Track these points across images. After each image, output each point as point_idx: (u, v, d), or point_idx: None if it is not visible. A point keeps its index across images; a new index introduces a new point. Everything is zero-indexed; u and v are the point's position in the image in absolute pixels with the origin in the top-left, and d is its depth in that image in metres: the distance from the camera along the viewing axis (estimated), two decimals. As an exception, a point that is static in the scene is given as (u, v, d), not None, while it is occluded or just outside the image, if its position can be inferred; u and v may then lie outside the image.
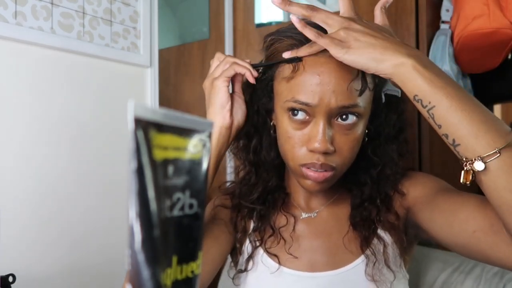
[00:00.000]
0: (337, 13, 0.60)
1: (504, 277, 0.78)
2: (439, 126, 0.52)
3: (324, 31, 0.58)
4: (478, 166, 0.50)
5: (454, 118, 0.51)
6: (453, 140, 0.52)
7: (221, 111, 0.65)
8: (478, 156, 0.50)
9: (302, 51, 0.60)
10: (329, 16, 0.57)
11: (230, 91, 0.67)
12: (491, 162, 0.49)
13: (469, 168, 0.51)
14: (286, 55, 0.61)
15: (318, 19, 0.57)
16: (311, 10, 0.57)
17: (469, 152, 0.50)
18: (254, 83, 0.65)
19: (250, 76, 0.63)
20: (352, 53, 0.54)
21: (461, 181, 0.52)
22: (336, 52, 0.55)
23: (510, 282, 0.77)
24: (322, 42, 0.56)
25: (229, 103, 0.65)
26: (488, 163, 0.49)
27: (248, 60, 0.65)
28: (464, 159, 0.51)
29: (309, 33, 0.57)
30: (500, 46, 0.96)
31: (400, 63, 0.53)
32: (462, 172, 0.52)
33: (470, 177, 0.51)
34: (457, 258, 0.87)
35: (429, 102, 0.52)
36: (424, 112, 0.53)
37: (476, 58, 1.02)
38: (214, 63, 0.67)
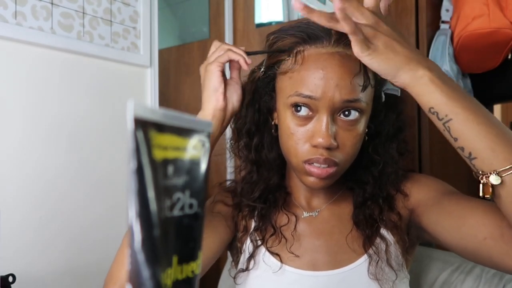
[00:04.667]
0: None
1: (504, 277, 0.78)
2: (455, 139, 0.52)
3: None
4: (494, 180, 0.49)
5: (471, 131, 0.51)
6: (470, 154, 0.51)
7: (215, 93, 0.65)
8: (494, 170, 0.49)
9: (317, 17, 0.53)
10: (360, 8, 0.52)
11: (228, 77, 0.68)
12: (507, 176, 0.49)
13: (485, 181, 0.50)
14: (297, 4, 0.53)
15: (349, 9, 0.51)
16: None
17: (485, 166, 0.50)
18: (247, 69, 0.66)
19: (244, 63, 0.64)
20: (375, 56, 0.52)
21: (480, 195, 0.52)
22: (360, 51, 0.51)
23: (510, 283, 0.77)
24: (349, 29, 0.50)
25: (222, 86, 0.65)
26: (504, 176, 0.49)
27: (242, 48, 0.66)
28: (480, 172, 0.51)
29: (338, 13, 0.49)
30: (500, 46, 0.96)
31: (420, 76, 0.52)
32: (480, 186, 0.51)
33: (490, 190, 0.51)
34: (457, 258, 0.87)
35: (446, 115, 0.52)
36: (439, 124, 0.53)
37: (476, 58, 1.02)
38: (211, 50, 0.68)
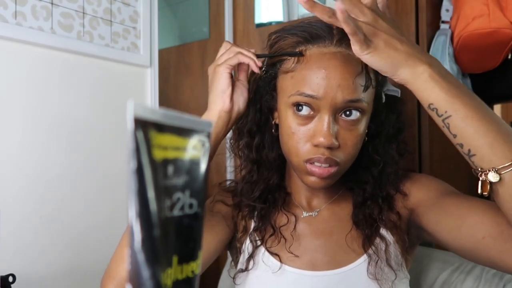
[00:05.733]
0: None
1: (504, 277, 0.78)
2: (454, 136, 0.52)
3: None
4: (493, 177, 0.49)
5: (470, 128, 0.51)
6: (469, 150, 0.51)
7: (222, 95, 0.65)
8: (493, 168, 0.49)
9: (319, 12, 0.53)
10: (359, 5, 0.53)
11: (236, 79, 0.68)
12: (506, 174, 0.49)
13: (484, 178, 0.50)
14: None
15: (348, 6, 0.52)
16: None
17: (484, 163, 0.50)
18: (258, 72, 0.65)
19: (254, 66, 0.64)
20: (375, 54, 0.52)
21: (479, 191, 0.51)
22: (360, 50, 0.52)
23: (510, 282, 0.76)
24: (350, 30, 0.50)
25: (230, 88, 0.65)
26: (503, 174, 0.49)
27: (253, 50, 0.66)
28: (479, 169, 0.51)
29: (340, 15, 0.49)
30: (500, 46, 0.96)
31: (420, 72, 0.52)
32: (479, 182, 0.51)
33: (488, 188, 0.50)
34: (457, 258, 0.87)
35: (445, 112, 0.52)
36: (439, 121, 0.53)
37: (476, 58, 1.02)
38: (221, 50, 0.68)
